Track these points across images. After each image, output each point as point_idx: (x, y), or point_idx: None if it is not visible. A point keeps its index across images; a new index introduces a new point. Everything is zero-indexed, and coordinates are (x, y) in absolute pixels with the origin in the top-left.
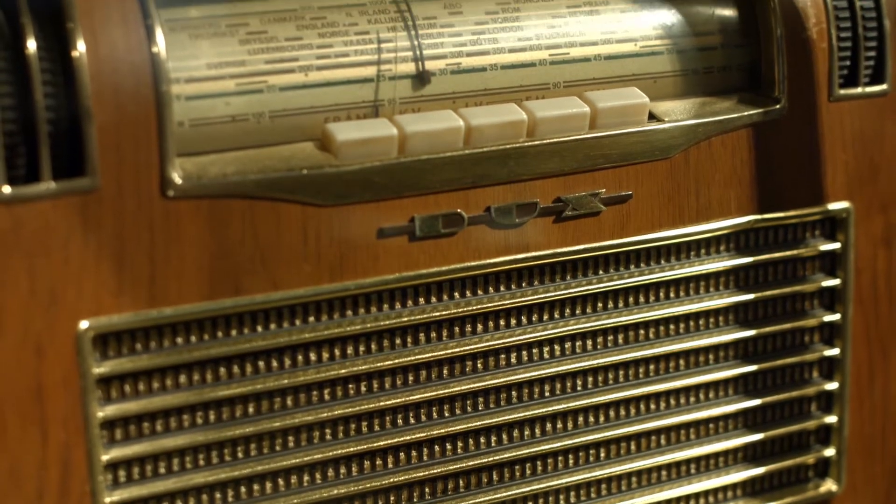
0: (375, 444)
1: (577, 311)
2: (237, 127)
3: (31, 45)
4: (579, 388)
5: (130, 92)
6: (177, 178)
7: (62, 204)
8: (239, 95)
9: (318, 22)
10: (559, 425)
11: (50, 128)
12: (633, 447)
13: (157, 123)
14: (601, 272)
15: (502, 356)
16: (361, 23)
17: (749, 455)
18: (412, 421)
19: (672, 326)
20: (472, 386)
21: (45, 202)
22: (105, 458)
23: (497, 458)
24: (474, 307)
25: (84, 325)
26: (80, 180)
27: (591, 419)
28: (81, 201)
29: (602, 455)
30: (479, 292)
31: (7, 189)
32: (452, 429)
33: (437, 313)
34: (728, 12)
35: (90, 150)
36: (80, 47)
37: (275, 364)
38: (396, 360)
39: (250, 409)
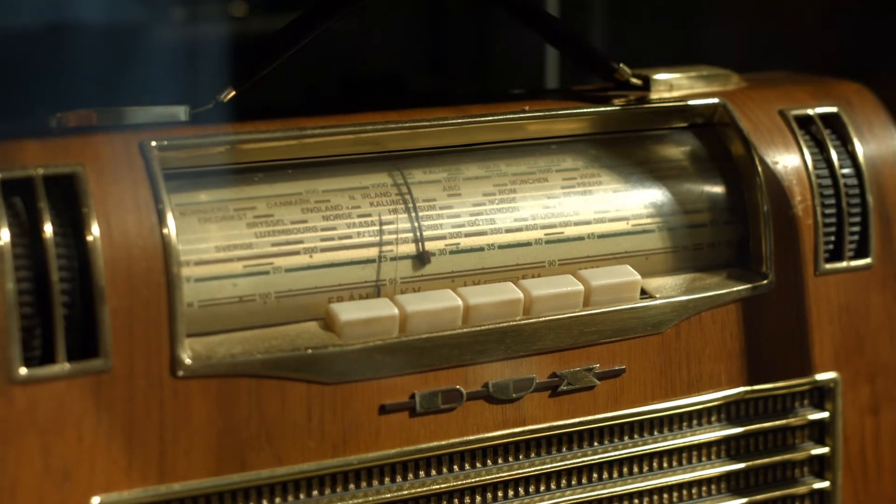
0: None
1: (574, 482)
2: (244, 307)
3: (48, 229)
4: None
5: (142, 275)
6: (186, 359)
7: (76, 384)
8: (246, 277)
9: (323, 205)
10: None
11: (65, 310)
12: None
13: (168, 305)
14: (596, 444)
15: None
16: (364, 205)
17: None
18: None
19: (666, 495)
20: None
21: (60, 383)
22: None
23: None
24: (473, 480)
25: (96, 501)
26: (93, 361)
27: None
28: (94, 381)
29: None
30: (478, 465)
31: (23, 371)
32: None
33: (438, 486)
34: (716, 190)
35: (103, 332)
36: (95, 231)
37: None
38: None
39: None
